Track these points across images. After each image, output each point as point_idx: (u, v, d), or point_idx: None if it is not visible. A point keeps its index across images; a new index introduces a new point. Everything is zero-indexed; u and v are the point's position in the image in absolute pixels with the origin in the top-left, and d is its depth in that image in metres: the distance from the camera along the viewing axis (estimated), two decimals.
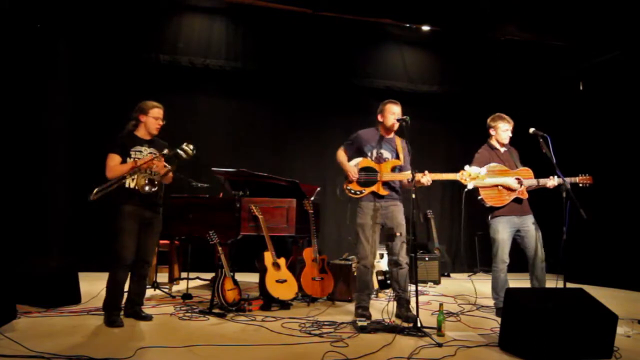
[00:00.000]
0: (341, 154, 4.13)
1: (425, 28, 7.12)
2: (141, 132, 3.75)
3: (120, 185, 3.56)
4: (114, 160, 3.60)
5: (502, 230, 4.10)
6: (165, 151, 3.68)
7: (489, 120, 4.31)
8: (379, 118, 4.10)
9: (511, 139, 4.27)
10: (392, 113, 4.01)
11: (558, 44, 7.01)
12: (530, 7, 6.25)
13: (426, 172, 3.87)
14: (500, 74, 7.56)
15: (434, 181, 3.91)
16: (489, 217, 4.18)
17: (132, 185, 3.59)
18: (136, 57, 6.47)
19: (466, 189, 4.18)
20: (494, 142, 4.28)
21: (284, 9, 6.57)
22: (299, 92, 7.17)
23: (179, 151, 3.66)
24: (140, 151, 3.69)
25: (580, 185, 4.06)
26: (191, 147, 3.68)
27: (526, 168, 4.18)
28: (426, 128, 7.33)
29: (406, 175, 3.93)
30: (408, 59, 7.51)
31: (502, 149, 4.26)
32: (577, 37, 6.74)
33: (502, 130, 4.20)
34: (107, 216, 3.62)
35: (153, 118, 3.72)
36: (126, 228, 3.56)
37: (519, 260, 4.23)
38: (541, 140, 4.08)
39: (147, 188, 3.54)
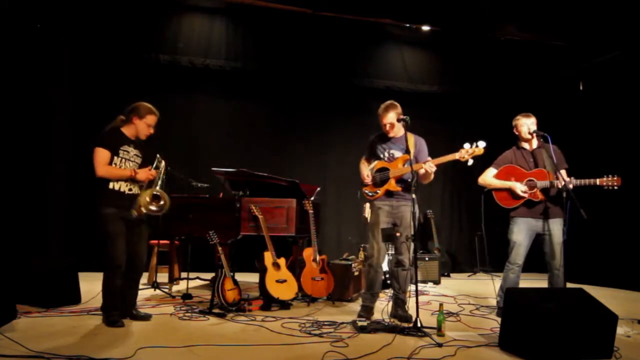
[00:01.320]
0: (361, 165, 4.20)
1: (425, 28, 7.12)
2: (128, 131, 3.66)
3: (104, 188, 3.50)
4: (104, 156, 3.49)
5: (517, 232, 4.06)
6: (163, 163, 3.68)
7: (513, 120, 4.23)
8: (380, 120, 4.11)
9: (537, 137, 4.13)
10: (385, 125, 3.99)
11: (558, 44, 7.01)
12: (530, 7, 6.24)
13: (429, 158, 3.94)
14: (500, 74, 7.56)
15: (434, 181, 3.94)
16: (510, 216, 4.15)
17: (116, 187, 3.54)
18: (136, 57, 6.47)
19: (484, 190, 4.19)
20: (520, 142, 4.21)
21: (284, 9, 6.57)
22: (299, 92, 7.17)
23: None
24: (127, 151, 3.62)
25: (606, 188, 3.83)
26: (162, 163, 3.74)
27: (542, 170, 4.05)
28: (426, 128, 7.22)
29: (407, 169, 3.90)
30: (408, 59, 7.51)
31: (531, 148, 4.18)
32: (577, 37, 6.74)
33: (520, 125, 4.13)
34: (94, 220, 3.54)
35: (146, 124, 3.64)
36: (114, 231, 3.49)
37: (531, 260, 4.17)
38: (541, 139, 4.08)
39: (153, 207, 3.55)
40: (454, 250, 7.73)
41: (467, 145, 3.86)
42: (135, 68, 6.51)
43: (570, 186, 3.85)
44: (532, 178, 4.05)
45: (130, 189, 3.61)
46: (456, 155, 3.87)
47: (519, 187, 4.03)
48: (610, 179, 3.81)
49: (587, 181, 3.85)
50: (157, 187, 3.60)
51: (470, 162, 3.88)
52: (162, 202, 3.59)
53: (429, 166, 3.87)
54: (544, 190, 4.01)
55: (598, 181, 3.83)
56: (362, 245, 5.43)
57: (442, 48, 7.52)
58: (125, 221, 3.55)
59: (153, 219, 3.89)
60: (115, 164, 3.55)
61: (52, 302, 4.00)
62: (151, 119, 3.66)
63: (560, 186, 3.89)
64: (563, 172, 4.00)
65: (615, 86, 6.68)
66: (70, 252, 5.93)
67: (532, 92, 7.38)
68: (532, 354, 2.89)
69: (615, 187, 3.81)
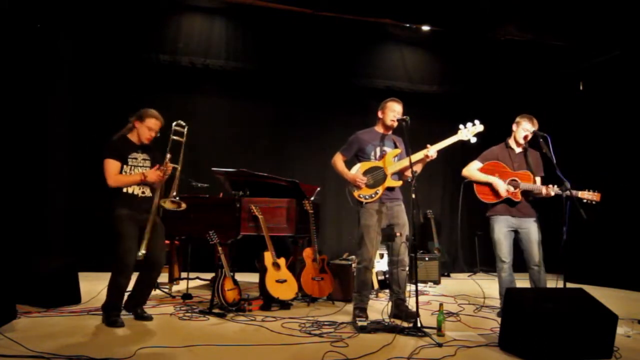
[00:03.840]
0: (339, 162, 4.08)
1: (425, 28, 7.13)
2: (135, 137, 3.71)
3: (118, 191, 3.55)
4: (114, 167, 3.55)
5: (498, 230, 4.09)
6: (169, 156, 3.66)
7: (518, 116, 4.23)
8: (379, 114, 4.09)
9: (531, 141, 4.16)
10: (393, 111, 3.99)
11: (558, 44, 7.01)
12: (530, 7, 6.25)
13: (428, 145, 3.90)
14: (500, 74, 7.56)
15: (434, 181, 3.95)
16: (487, 215, 4.19)
17: (129, 191, 3.59)
18: (136, 57, 6.47)
19: (464, 181, 4.25)
20: (511, 140, 4.22)
21: (284, 9, 6.58)
22: (299, 92, 7.17)
23: (174, 137, 3.74)
24: (135, 158, 3.66)
25: (585, 201, 3.87)
26: (182, 123, 3.78)
27: (526, 172, 4.11)
28: (426, 128, 7.32)
29: (404, 162, 3.91)
30: (408, 59, 7.51)
31: (518, 150, 4.20)
32: (577, 37, 6.74)
33: (523, 128, 4.13)
34: (107, 221, 3.60)
35: (147, 127, 3.66)
36: (126, 232, 3.53)
37: (522, 260, 4.20)
38: (541, 140, 4.08)
39: (172, 207, 3.59)
40: (454, 250, 7.73)
41: (468, 125, 3.97)
42: (135, 68, 6.51)
43: (552, 193, 3.93)
44: (515, 178, 4.09)
45: (143, 192, 3.65)
46: (459, 137, 3.95)
47: (502, 187, 4.06)
48: (591, 193, 3.87)
49: (572, 192, 3.85)
50: (174, 194, 3.61)
51: (474, 140, 3.98)
52: (180, 205, 3.66)
53: (432, 154, 3.88)
54: (524, 192, 4.06)
55: (580, 194, 3.87)
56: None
57: (442, 48, 7.52)
58: (137, 222, 3.59)
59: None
60: (125, 172, 3.61)
61: (52, 302, 4.00)
62: (153, 123, 3.67)
63: (546, 193, 3.94)
64: (538, 179, 4.12)
65: (615, 86, 6.68)
66: (70, 252, 5.93)
67: (532, 92, 7.39)
68: (532, 354, 2.89)
69: (594, 203, 3.87)
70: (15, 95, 5.75)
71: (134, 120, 3.68)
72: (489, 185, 4.12)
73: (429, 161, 3.96)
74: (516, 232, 4.11)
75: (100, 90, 6.39)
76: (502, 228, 4.09)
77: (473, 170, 4.20)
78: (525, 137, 4.13)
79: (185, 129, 3.82)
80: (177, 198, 3.59)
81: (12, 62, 5.71)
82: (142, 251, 3.45)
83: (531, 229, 4.06)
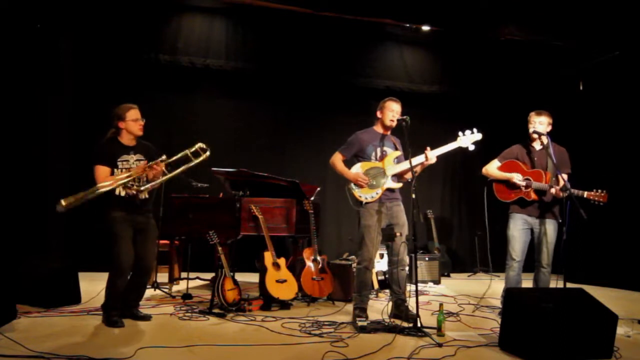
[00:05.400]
0: (338, 162, 4.06)
1: (425, 28, 7.12)
2: (125, 139, 3.66)
3: (111, 193, 3.52)
4: (103, 172, 3.51)
5: (513, 228, 4.08)
6: (164, 157, 3.64)
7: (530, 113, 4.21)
8: (378, 114, 4.08)
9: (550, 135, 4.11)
10: (392, 110, 3.99)
11: (558, 44, 7.01)
12: (530, 7, 6.24)
13: (428, 148, 3.91)
14: (500, 74, 7.55)
15: (434, 181, 3.94)
16: (508, 212, 4.17)
17: (122, 194, 3.56)
18: (136, 57, 6.46)
19: (488, 180, 4.22)
20: (530, 138, 4.19)
21: (284, 9, 6.57)
22: (299, 92, 7.17)
23: (190, 153, 3.74)
24: (127, 160, 3.63)
25: (592, 202, 3.82)
26: (204, 147, 3.76)
27: (539, 170, 4.06)
28: (426, 128, 7.32)
29: (405, 164, 3.91)
30: (408, 59, 7.50)
31: (538, 147, 4.15)
32: (577, 37, 6.73)
33: (529, 122, 4.11)
34: (101, 223, 3.60)
35: (132, 121, 3.62)
36: (120, 234, 3.53)
37: (530, 259, 4.18)
38: (549, 140, 4.07)
39: (137, 188, 3.56)
40: (454, 250, 7.73)
41: (467, 132, 3.97)
42: (135, 68, 6.50)
43: (561, 194, 3.88)
44: (529, 177, 4.07)
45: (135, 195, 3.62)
46: (458, 144, 3.95)
47: (517, 177, 4.04)
48: (597, 193, 3.81)
49: (575, 191, 3.83)
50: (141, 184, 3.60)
51: (472, 147, 3.98)
52: (138, 183, 3.58)
53: (432, 157, 3.88)
54: (538, 192, 4.03)
55: (586, 194, 3.84)
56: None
57: (442, 48, 7.52)
58: (131, 224, 3.59)
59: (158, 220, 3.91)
60: None
61: (52, 302, 4.00)
62: (134, 114, 3.64)
63: (555, 193, 3.92)
64: (564, 176, 4.01)
65: (615, 86, 6.68)
66: (70, 252, 5.93)
67: (532, 92, 7.38)
68: (532, 354, 2.89)
69: (601, 204, 3.81)
70: (15, 95, 5.74)
71: (116, 122, 3.63)
72: (506, 183, 4.10)
73: (427, 165, 3.96)
74: (532, 231, 4.09)
75: (101, 90, 6.38)
76: (517, 225, 4.07)
77: (491, 168, 4.20)
78: (531, 132, 4.09)
79: (206, 154, 3.81)
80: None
81: (12, 63, 5.70)
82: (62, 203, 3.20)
83: (549, 231, 4.00)
